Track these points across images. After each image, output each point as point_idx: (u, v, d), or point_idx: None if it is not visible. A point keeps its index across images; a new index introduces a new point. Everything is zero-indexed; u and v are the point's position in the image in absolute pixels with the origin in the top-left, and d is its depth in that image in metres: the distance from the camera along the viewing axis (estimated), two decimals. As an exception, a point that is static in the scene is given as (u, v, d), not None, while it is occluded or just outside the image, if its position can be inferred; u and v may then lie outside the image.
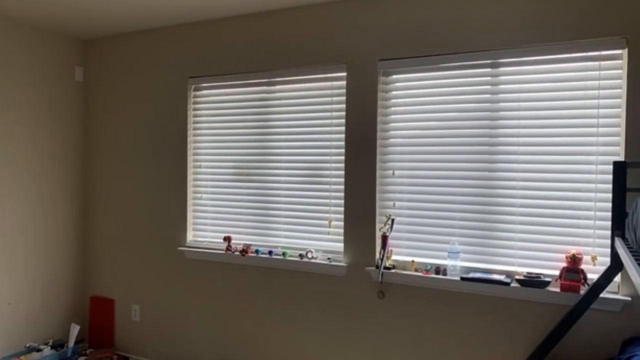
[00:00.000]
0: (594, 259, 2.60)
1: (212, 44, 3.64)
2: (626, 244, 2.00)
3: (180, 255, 3.79)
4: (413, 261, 3.01)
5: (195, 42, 3.70)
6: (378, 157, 3.11)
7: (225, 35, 3.59)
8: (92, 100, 4.22)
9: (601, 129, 2.59)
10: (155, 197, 3.90)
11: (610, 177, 2.50)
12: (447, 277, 2.87)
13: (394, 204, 3.09)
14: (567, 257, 2.60)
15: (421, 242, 3.02)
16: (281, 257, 3.37)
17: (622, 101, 2.53)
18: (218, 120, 3.68)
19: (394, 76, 3.08)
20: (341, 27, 3.19)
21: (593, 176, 2.61)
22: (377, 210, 3.12)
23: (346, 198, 3.19)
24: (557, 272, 2.67)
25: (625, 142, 2.50)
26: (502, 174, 2.81)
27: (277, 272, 3.42)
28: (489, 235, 2.85)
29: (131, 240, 4.03)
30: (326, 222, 3.30)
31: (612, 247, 2.22)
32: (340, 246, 3.24)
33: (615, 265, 2.27)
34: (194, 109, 3.78)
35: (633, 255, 1.82)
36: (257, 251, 3.45)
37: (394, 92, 3.09)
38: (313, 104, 3.33)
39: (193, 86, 3.76)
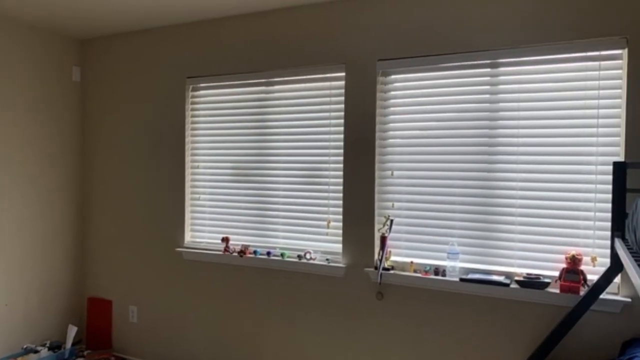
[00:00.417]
0: (593, 260, 2.59)
1: (210, 44, 3.63)
2: (626, 245, 1.99)
3: (178, 256, 3.78)
4: (412, 262, 3.00)
5: (193, 42, 3.69)
6: (377, 157, 3.10)
7: (223, 35, 3.57)
8: (90, 101, 4.21)
9: (601, 129, 2.58)
10: (153, 198, 3.89)
11: (610, 177, 2.49)
12: (447, 278, 2.86)
13: (393, 204, 3.08)
14: (566, 258, 2.59)
15: (420, 243, 3.01)
16: (279, 258, 3.35)
17: (622, 101, 2.52)
18: (216, 121, 3.66)
19: (393, 76, 3.07)
20: (340, 27, 3.18)
21: (593, 177, 2.60)
22: (376, 211, 3.10)
23: (345, 199, 3.18)
24: (556, 273, 2.65)
25: (625, 142, 2.49)
26: (501, 174, 2.80)
27: (275, 273, 3.40)
28: (489, 236, 2.84)
29: (129, 241, 4.01)
30: (325, 223, 3.28)
31: (612, 248, 2.21)
32: (338, 247, 3.23)
33: (615, 266, 2.26)
34: (192, 109, 3.76)
35: (633, 256, 1.81)
36: (255, 252, 3.44)
37: (392, 92, 3.08)
38: (312, 104, 3.31)
39: (191, 86, 3.74)
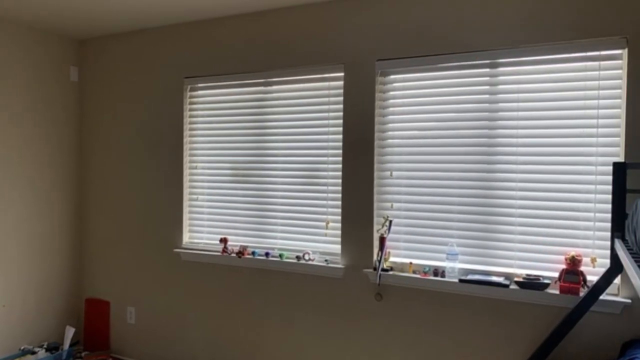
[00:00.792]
0: (593, 260, 2.58)
1: (208, 44, 3.61)
2: (626, 246, 1.98)
3: (176, 257, 3.76)
4: (411, 263, 2.99)
5: (191, 42, 3.68)
6: (376, 158, 3.09)
7: (221, 35, 3.56)
8: (87, 101, 4.19)
9: (601, 130, 2.57)
10: (150, 199, 3.87)
11: (610, 178, 2.48)
12: (446, 279, 2.85)
13: (392, 205, 3.07)
14: (566, 259, 2.58)
15: (419, 244, 2.99)
16: (278, 259, 3.34)
17: (622, 101, 2.51)
18: (214, 121, 3.65)
19: (392, 76, 3.06)
20: (339, 26, 3.16)
21: (592, 177, 2.59)
22: (375, 212, 3.09)
23: (343, 199, 3.17)
24: (556, 274, 2.64)
25: (625, 142, 2.48)
26: (500, 175, 2.79)
27: (273, 274, 3.39)
28: (488, 237, 2.83)
29: (127, 242, 4.00)
30: (323, 224, 3.27)
31: (612, 248, 2.20)
32: (337, 248, 3.21)
33: (615, 267, 2.25)
34: (190, 110, 3.75)
35: (633, 257, 1.80)
36: (253, 253, 3.42)
37: (391, 93, 3.06)
38: (310, 105, 3.30)
39: (189, 86, 3.73)
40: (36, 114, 3.88)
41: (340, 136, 3.20)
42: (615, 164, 2.20)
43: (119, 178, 4.03)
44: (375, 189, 3.10)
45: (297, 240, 3.35)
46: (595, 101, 2.58)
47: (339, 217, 3.20)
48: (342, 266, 3.15)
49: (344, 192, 3.17)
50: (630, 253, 1.87)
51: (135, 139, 3.94)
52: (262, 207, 3.47)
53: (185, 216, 3.75)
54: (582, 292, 2.54)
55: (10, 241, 3.73)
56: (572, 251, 2.60)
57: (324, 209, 3.27)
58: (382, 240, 3.00)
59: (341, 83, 3.19)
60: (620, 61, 2.53)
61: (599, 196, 2.58)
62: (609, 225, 2.52)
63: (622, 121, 2.51)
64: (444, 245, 2.91)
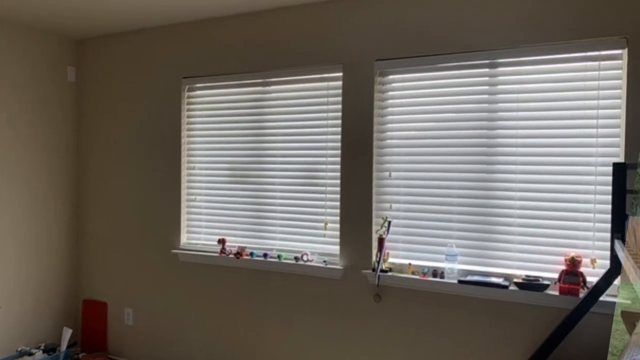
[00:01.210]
0: (593, 261, 2.57)
1: (206, 44, 3.60)
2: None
3: (174, 258, 3.75)
4: (410, 264, 2.97)
5: (190, 42, 3.66)
6: (374, 158, 3.07)
7: (219, 35, 3.55)
8: (85, 101, 4.17)
9: (601, 130, 2.56)
10: (148, 199, 3.86)
11: (609, 178, 2.46)
12: (445, 280, 2.84)
13: (391, 205, 3.05)
14: (566, 260, 2.57)
15: (418, 245, 2.98)
16: (276, 259, 3.32)
17: (622, 101, 2.50)
18: (212, 121, 3.63)
19: (391, 76, 3.05)
20: (337, 26, 3.15)
21: (592, 177, 2.58)
22: (374, 212, 3.08)
23: (342, 200, 3.15)
24: (556, 275, 2.63)
25: (625, 143, 2.47)
26: (500, 176, 2.78)
27: (272, 275, 3.37)
28: (487, 238, 2.81)
29: (124, 243, 3.98)
30: (322, 225, 3.25)
31: (612, 249, 2.20)
32: (336, 249, 3.20)
33: (615, 268, 2.24)
34: (188, 110, 3.73)
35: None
36: (251, 254, 3.41)
37: (390, 93, 3.05)
38: (309, 105, 3.29)
39: (187, 86, 3.71)
40: (33, 115, 3.86)
41: (339, 136, 3.18)
42: (615, 165, 2.19)
43: (116, 178, 4.02)
44: (374, 190, 3.08)
45: (295, 241, 3.34)
46: (595, 101, 2.57)
47: (338, 218, 3.19)
48: (341, 267, 3.13)
49: (342, 192, 3.15)
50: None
51: (133, 140, 3.93)
52: (261, 207, 3.45)
53: (183, 217, 3.74)
54: (582, 293, 2.53)
55: (8, 242, 3.71)
56: (572, 252, 2.59)
57: (323, 210, 3.25)
58: (380, 241, 2.99)
59: (340, 83, 3.18)
60: (620, 61, 2.52)
61: (598, 197, 2.57)
62: (608, 226, 2.51)
63: (622, 121, 2.50)
64: (443, 246, 2.90)
